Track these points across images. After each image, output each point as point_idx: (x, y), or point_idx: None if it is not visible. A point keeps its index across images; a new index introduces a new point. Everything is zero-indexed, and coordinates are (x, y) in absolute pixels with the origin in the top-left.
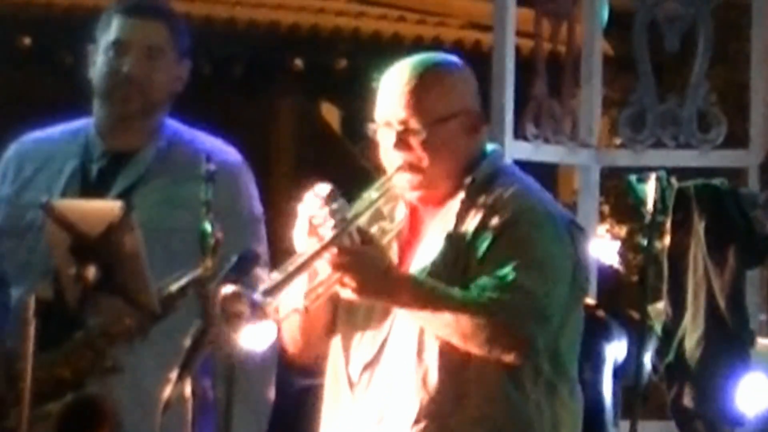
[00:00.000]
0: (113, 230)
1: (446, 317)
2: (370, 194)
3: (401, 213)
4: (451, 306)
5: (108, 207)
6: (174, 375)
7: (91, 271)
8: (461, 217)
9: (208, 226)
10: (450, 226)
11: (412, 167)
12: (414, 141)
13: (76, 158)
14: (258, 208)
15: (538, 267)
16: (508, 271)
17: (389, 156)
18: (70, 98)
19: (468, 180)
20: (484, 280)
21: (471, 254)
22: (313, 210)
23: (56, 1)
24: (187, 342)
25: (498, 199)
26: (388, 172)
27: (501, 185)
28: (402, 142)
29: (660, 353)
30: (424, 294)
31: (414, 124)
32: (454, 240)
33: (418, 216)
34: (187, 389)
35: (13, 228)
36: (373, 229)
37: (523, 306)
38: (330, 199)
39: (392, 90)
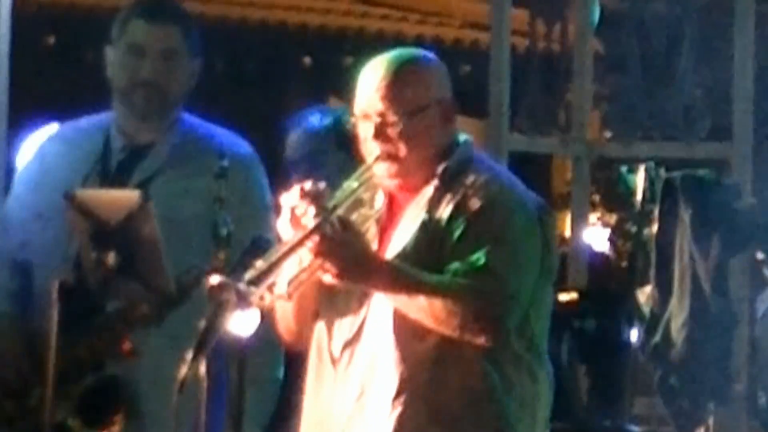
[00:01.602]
0: (132, 218)
1: (420, 301)
2: (350, 184)
3: (380, 200)
4: (424, 290)
5: (127, 196)
6: (189, 355)
7: (111, 257)
8: (435, 203)
9: (221, 222)
10: (424, 211)
11: (390, 157)
12: (391, 131)
13: (97, 151)
14: (269, 198)
15: (509, 252)
16: (479, 256)
17: (368, 146)
18: (92, 95)
19: (442, 167)
20: (456, 265)
21: (445, 239)
22: (295, 201)
23: (80, 1)
24: (202, 324)
25: (471, 186)
26: (367, 162)
27: (473, 172)
28: (380, 133)
29: (647, 334)
30: (399, 279)
31: (391, 115)
32: (428, 225)
33: (396, 202)
34: (202, 369)
35: (38, 216)
36: (354, 216)
37: (493, 290)
38: (312, 190)
39: (370, 84)
